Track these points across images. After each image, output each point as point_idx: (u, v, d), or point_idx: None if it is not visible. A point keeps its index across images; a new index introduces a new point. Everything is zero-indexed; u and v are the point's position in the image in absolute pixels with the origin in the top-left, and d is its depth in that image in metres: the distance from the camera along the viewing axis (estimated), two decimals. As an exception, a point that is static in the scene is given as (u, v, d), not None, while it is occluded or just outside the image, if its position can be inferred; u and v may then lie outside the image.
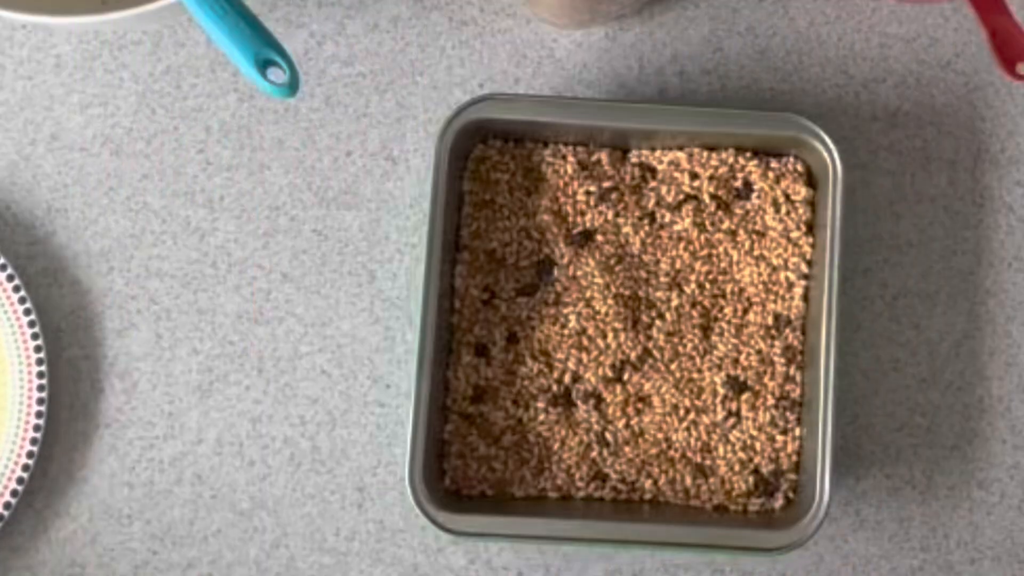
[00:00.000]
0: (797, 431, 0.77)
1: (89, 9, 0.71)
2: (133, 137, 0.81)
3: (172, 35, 0.82)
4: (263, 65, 0.65)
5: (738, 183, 0.78)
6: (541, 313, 0.78)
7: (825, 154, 0.76)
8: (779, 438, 0.77)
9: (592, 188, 0.78)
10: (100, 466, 0.79)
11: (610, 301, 0.77)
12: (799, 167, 0.78)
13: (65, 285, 0.80)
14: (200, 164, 0.81)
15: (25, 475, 0.77)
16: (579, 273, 0.78)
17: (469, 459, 0.77)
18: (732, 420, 0.77)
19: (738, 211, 0.78)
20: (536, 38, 0.82)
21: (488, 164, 0.78)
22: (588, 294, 0.78)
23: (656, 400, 0.77)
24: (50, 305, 0.80)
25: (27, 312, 0.78)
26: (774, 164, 0.78)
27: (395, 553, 0.79)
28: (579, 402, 0.77)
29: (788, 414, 0.77)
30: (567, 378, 0.77)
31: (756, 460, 0.76)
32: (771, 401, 0.77)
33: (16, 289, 0.78)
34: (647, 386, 0.77)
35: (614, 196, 0.78)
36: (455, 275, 0.77)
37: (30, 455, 0.77)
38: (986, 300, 0.80)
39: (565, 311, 0.77)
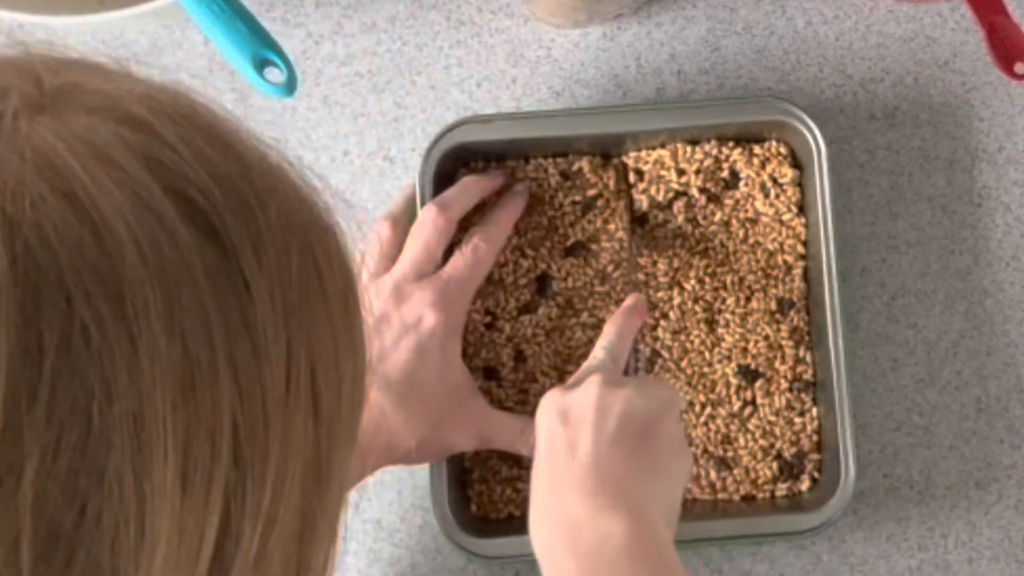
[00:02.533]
0: (814, 411, 0.77)
1: (87, 8, 0.71)
2: (130, 137, 0.81)
3: (169, 35, 0.82)
4: (261, 65, 0.65)
5: (724, 173, 0.78)
6: (545, 329, 0.77)
7: (806, 133, 0.76)
8: (797, 420, 0.77)
9: (577, 198, 0.78)
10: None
11: (612, 308, 0.77)
12: (782, 149, 0.78)
13: (62, 285, 0.80)
14: (197, 164, 0.81)
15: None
16: (577, 284, 0.78)
17: (492, 483, 0.76)
18: (749, 409, 0.77)
19: (728, 201, 0.78)
20: (534, 38, 0.82)
21: None
22: (589, 304, 0.78)
23: None
24: (47, 305, 0.80)
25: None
26: (757, 150, 0.78)
27: (392, 553, 0.79)
28: None
29: (803, 395, 0.77)
30: None
31: (778, 445, 0.77)
32: (784, 385, 0.77)
33: (13, 289, 0.78)
34: None
35: (600, 203, 0.78)
36: None
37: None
38: (984, 300, 0.80)
39: (569, 324, 0.77)
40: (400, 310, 0.70)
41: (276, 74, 0.66)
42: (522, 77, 0.82)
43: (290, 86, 0.65)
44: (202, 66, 0.82)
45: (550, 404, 0.66)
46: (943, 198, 0.81)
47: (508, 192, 0.76)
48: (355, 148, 0.81)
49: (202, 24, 0.65)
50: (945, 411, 0.80)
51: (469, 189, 0.74)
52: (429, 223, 0.72)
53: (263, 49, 0.65)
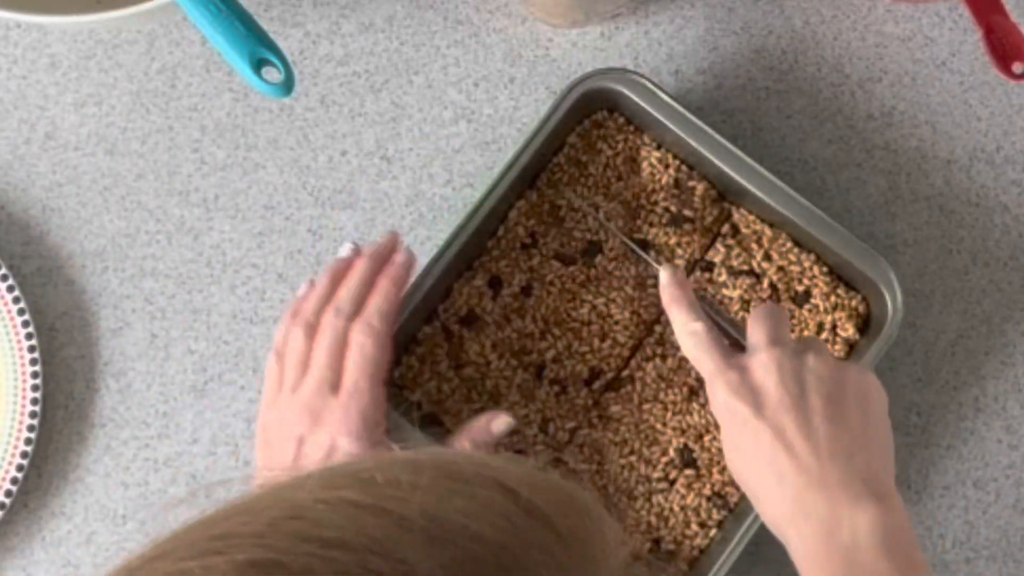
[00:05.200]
0: (712, 532, 0.75)
1: (84, 8, 0.71)
2: (128, 136, 0.81)
3: (167, 34, 0.82)
4: (258, 64, 0.65)
5: (800, 287, 0.77)
6: (564, 287, 0.77)
7: (888, 299, 0.74)
8: (694, 528, 0.75)
9: (673, 208, 0.77)
10: (95, 466, 0.79)
11: (626, 314, 0.77)
12: (860, 309, 0.77)
13: (60, 285, 0.80)
14: (195, 163, 0.81)
15: (20, 475, 0.77)
16: (616, 274, 0.77)
17: (426, 365, 0.76)
18: (664, 485, 0.75)
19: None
20: (531, 37, 0.82)
21: (600, 132, 0.78)
22: (611, 296, 0.77)
23: (613, 425, 0.76)
24: (45, 305, 0.80)
25: (21, 312, 0.78)
26: (840, 292, 0.77)
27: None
28: (544, 381, 0.76)
29: (715, 512, 0.75)
30: (549, 356, 0.76)
31: (661, 533, 0.75)
32: (707, 491, 0.75)
33: (10, 289, 0.78)
34: (614, 408, 0.76)
35: (686, 226, 0.77)
36: (514, 207, 0.77)
37: (24, 455, 0.77)
38: (982, 299, 0.80)
39: (584, 298, 0.77)
40: (315, 434, 0.68)
41: (274, 74, 0.65)
42: (520, 76, 0.82)
43: (288, 86, 0.65)
44: (199, 66, 0.81)
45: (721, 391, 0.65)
46: (941, 198, 0.81)
47: (388, 264, 0.72)
48: (352, 148, 0.81)
49: (200, 24, 0.65)
50: (943, 411, 0.80)
51: (358, 284, 0.71)
52: (328, 331, 0.70)
53: (261, 49, 0.65)
